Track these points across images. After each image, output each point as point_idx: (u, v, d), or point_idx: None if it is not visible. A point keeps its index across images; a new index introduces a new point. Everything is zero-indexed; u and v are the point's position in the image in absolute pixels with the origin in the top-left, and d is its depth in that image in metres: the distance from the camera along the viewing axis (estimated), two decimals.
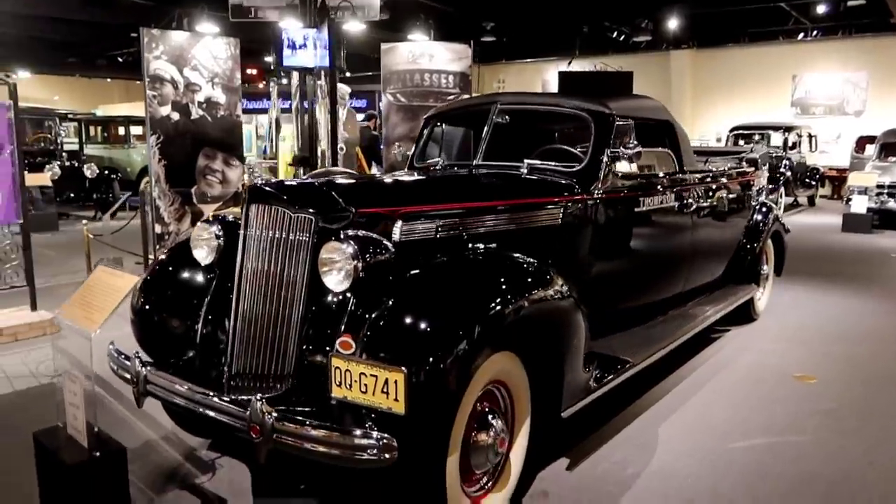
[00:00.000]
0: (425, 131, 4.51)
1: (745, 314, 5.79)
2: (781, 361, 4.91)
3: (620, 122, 3.86)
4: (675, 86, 20.48)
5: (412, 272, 2.63)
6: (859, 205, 10.98)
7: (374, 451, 2.25)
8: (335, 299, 2.62)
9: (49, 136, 14.26)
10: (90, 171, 13.19)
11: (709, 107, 20.61)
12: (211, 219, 3.15)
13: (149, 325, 3.16)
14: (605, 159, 3.73)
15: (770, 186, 12.22)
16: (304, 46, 6.87)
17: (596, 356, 3.45)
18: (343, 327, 2.48)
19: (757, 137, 14.85)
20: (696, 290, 4.91)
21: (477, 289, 2.62)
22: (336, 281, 2.57)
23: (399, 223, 2.89)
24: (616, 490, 3.13)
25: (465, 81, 8.11)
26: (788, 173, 13.35)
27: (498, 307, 2.54)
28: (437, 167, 4.12)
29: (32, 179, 11.99)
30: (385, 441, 2.25)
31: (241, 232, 2.84)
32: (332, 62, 6.78)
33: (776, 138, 14.63)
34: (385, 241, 2.73)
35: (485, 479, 2.80)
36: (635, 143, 3.71)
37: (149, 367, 2.88)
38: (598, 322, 3.69)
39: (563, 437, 3.57)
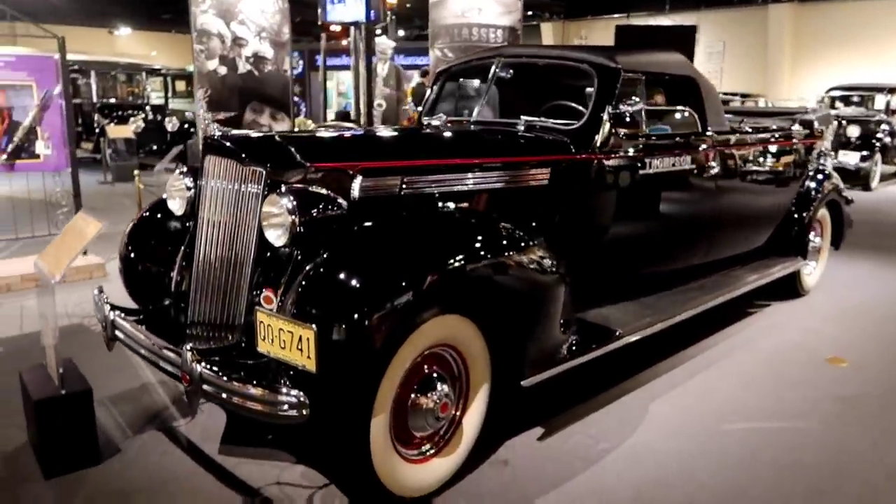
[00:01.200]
0: (435, 87, 4.37)
1: (791, 289, 5.39)
2: (817, 342, 4.54)
3: (630, 76, 3.59)
4: (771, 43, 19.09)
5: (357, 229, 2.57)
6: None
7: (287, 408, 2.24)
8: (278, 253, 2.60)
9: (137, 90, 14.95)
10: (171, 124, 13.76)
11: (810, 66, 19.11)
12: (185, 170, 3.18)
13: (132, 273, 3.26)
14: (606, 117, 3.48)
15: (864, 153, 11.28)
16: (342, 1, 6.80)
17: (581, 324, 3.30)
18: (268, 282, 2.46)
19: (856, 99, 13.63)
20: (722, 261, 4.59)
21: (421, 249, 2.52)
22: (275, 235, 2.54)
23: (359, 179, 2.81)
24: (581, 465, 3.00)
25: (514, 36, 7.81)
26: (888, 139, 12.19)
27: (440, 269, 2.45)
28: (438, 123, 3.99)
29: (116, 131, 12.70)
30: (298, 398, 2.23)
31: (201, 182, 2.85)
32: (368, 15, 6.68)
33: (879, 101, 13.38)
34: (336, 197, 2.66)
35: (428, 445, 2.73)
36: (636, 99, 3.45)
37: (117, 313, 2.97)
38: (591, 289, 3.53)
39: (539, 406, 3.45)
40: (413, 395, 2.60)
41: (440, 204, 2.99)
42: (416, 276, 2.38)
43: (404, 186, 2.92)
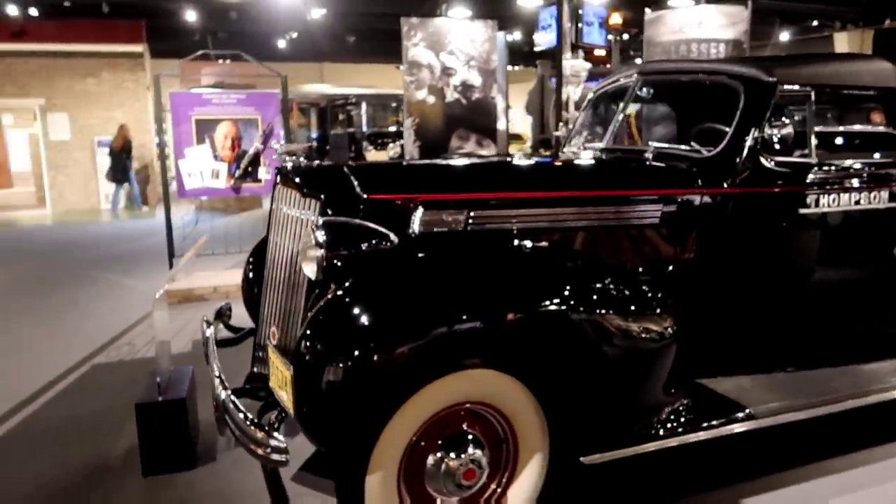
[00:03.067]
0: (581, 113, 3.96)
1: None
2: None
3: (793, 92, 2.87)
4: None
5: (393, 266, 2.40)
6: None
7: (270, 451, 2.14)
8: (315, 286, 2.52)
9: (397, 118, 16.31)
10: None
11: None
12: None
13: (248, 293, 3.46)
14: (750, 142, 2.81)
15: None
16: (549, 27, 6.60)
17: (699, 394, 2.71)
18: (277, 318, 2.38)
19: None
20: None
21: (453, 294, 2.26)
22: (309, 268, 2.47)
23: (419, 212, 2.62)
24: None
25: (739, 50, 6.81)
26: None
27: (467, 319, 2.17)
28: (573, 151, 3.60)
29: (372, 156, 14.00)
30: (279, 445, 2.12)
31: (272, 208, 2.92)
32: (559, 40, 6.38)
33: None
34: (386, 231, 2.51)
35: None
36: (784, 120, 2.72)
37: (210, 333, 3.16)
38: (717, 353, 2.89)
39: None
40: (433, 456, 2.32)
41: (516, 242, 2.66)
42: (428, 324, 2.13)
43: (471, 221, 2.65)
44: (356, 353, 2.06)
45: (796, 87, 2.89)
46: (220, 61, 13.74)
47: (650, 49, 7.30)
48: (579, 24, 6.78)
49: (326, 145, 16.61)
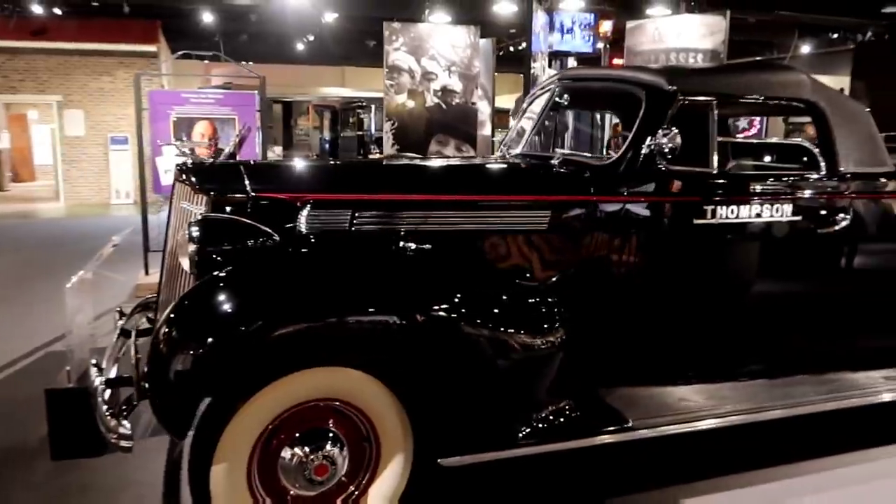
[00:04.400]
0: (514, 120, 3.97)
1: None
2: None
3: (694, 102, 2.85)
4: None
5: (263, 263, 2.45)
6: None
7: (116, 437, 2.20)
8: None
9: None
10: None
11: None
12: None
13: None
14: (646, 150, 2.80)
15: None
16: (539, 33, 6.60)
17: (589, 404, 2.72)
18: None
19: None
20: (856, 354, 3.33)
21: (321, 292, 2.31)
22: (184, 263, 2.53)
23: (305, 210, 2.67)
24: None
25: (717, 60, 6.73)
26: None
27: (328, 316, 2.22)
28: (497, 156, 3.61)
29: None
30: (125, 432, 2.18)
31: (172, 203, 2.99)
32: (529, 46, 6.37)
33: None
34: (267, 228, 2.57)
35: None
36: (669, 129, 2.70)
37: (121, 323, 3.24)
38: (619, 362, 2.90)
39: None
40: (289, 449, 2.35)
41: (399, 245, 2.68)
42: (281, 319, 2.18)
43: (355, 222, 2.69)
44: (203, 341, 2.12)
45: (699, 96, 2.87)
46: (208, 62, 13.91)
47: (631, 58, 7.26)
48: (565, 31, 6.74)
49: (337, 148, 16.82)
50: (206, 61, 16.45)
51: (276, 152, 17.60)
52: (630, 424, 2.67)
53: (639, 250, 2.83)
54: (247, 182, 2.69)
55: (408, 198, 2.73)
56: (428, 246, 2.69)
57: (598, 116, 3.58)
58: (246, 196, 2.65)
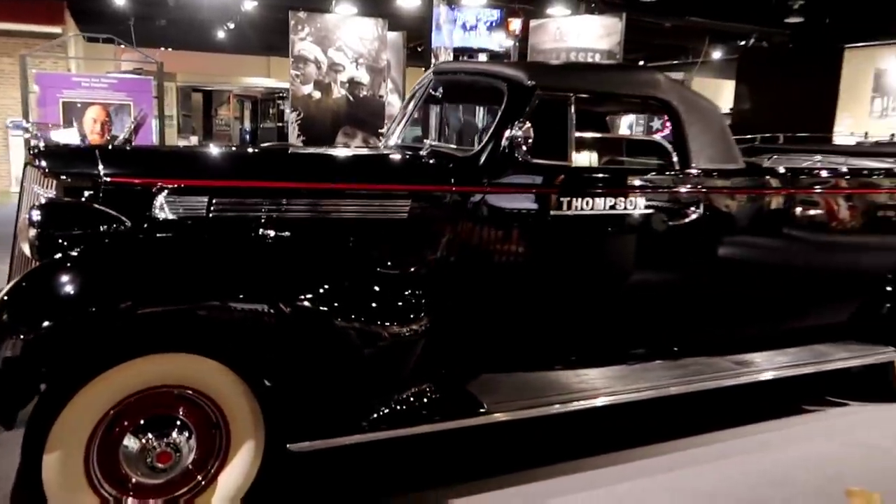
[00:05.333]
0: (400, 112, 4.01)
1: (884, 386, 4.04)
2: (862, 464, 3.30)
3: (553, 97, 2.95)
4: None
5: (111, 247, 2.40)
6: None
7: None
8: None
9: None
10: None
11: None
12: None
13: None
14: (505, 143, 2.87)
15: None
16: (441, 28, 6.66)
17: (449, 389, 2.78)
18: None
19: None
20: (731, 337, 3.55)
21: (163, 277, 2.28)
22: (25, 247, 2.45)
23: (161, 196, 2.62)
24: None
25: (613, 60, 6.98)
26: None
27: (169, 302, 2.20)
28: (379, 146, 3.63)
29: None
30: None
31: (23, 186, 2.89)
32: (430, 42, 6.45)
33: None
34: (118, 214, 2.52)
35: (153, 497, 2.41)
36: (524, 122, 2.79)
37: None
38: (479, 349, 2.98)
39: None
40: (131, 436, 2.31)
41: (258, 232, 2.67)
42: (118, 304, 2.14)
43: (213, 209, 2.66)
44: (32, 325, 2.07)
45: (558, 91, 2.97)
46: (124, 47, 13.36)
47: (534, 56, 7.43)
48: (468, 27, 6.82)
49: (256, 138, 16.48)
50: (122, 45, 15.83)
51: (191, 142, 17.12)
52: (485, 409, 2.74)
53: (498, 240, 2.91)
54: (101, 167, 2.62)
55: (266, 185, 2.72)
56: (286, 234, 2.69)
57: (483, 109, 3.64)
58: (98, 181, 2.59)
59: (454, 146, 3.11)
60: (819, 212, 3.56)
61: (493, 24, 6.88)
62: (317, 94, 7.36)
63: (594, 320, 3.17)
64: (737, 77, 13.53)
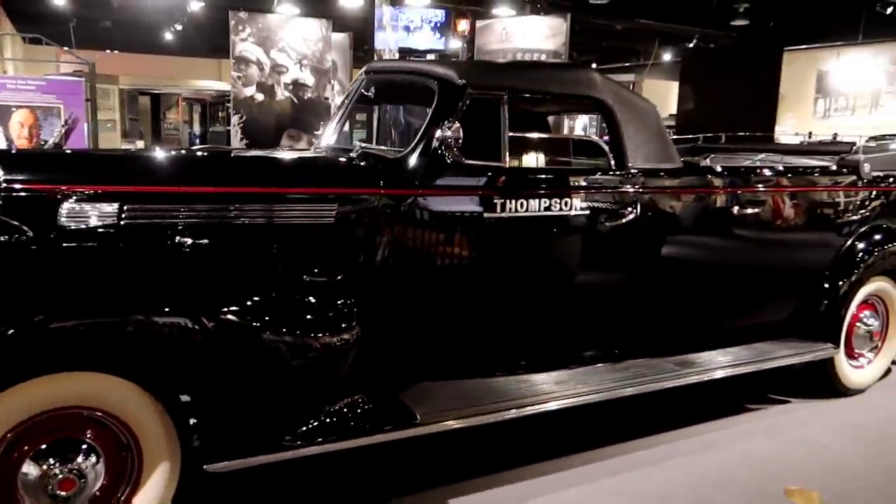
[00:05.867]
0: (336, 112, 3.89)
1: (824, 383, 4.06)
2: (802, 464, 3.30)
3: (485, 95, 2.86)
4: None
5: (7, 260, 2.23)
6: None
7: None
8: None
9: None
10: None
11: None
12: None
13: None
14: (436, 143, 2.78)
15: None
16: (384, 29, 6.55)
17: (382, 401, 2.67)
18: None
19: None
20: (668, 339, 3.51)
21: (67, 291, 2.14)
22: None
23: (68, 203, 2.45)
24: None
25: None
26: None
27: (72, 318, 2.07)
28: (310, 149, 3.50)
29: None
30: None
31: None
32: (373, 41, 6.36)
33: None
34: (20, 223, 2.35)
35: None
36: (453, 122, 2.71)
37: None
38: (417, 358, 2.88)
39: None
40: (30, 462, 2.15)
41: (177, 240, 2.52)
42: (14, 321, 1.99)
43: (124, 216, 2.50)
44: None
45: (490, 90, 2.89)
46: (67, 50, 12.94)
47: (481, 57, 7.37)
48: (413, 28, 6.73)
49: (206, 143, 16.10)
50: (66, 48, 15.29)
51: (136, 147, 16.63)
52: (418, 420, 2.65)
53: (431, 244, 2.80)
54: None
55: (182, 190, 2.57)
56: (203, 241, 2.55)
57: (418, 109, 3.55)
58: None
59: (390, 148, 3.00)
60: (756, 210, 3.55)
61: (438, 24, 6.80)
62: (260, 97, 7.17)
63: (532, 325, 3.09)
64: (680, 78, 13.72)
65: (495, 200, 2.85)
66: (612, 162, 3.13)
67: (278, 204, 2.65)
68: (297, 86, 7.26)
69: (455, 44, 8.16)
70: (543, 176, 3.05)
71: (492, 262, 2.93)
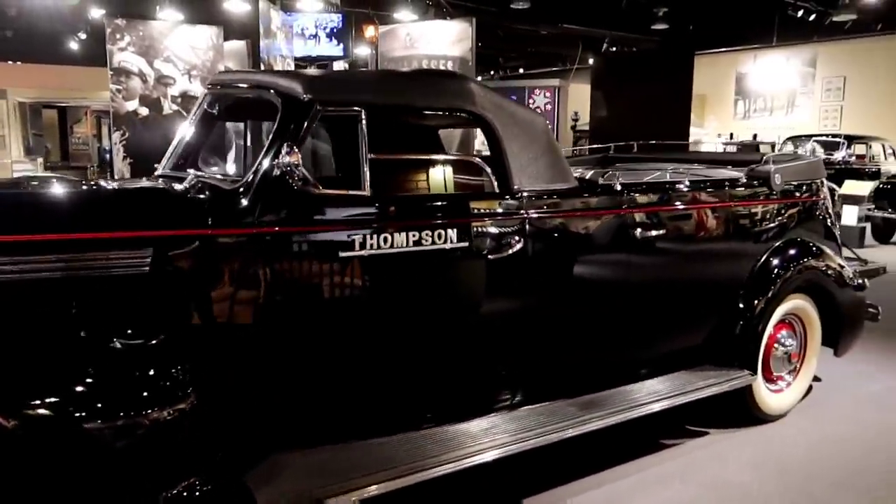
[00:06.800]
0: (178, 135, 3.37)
1: (742, 411, 3.78)
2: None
3: (338, 112, 2.42)
4: None
5: None
6: None
7: None
8: None
9: None
10: None
11: None
12: None
13: None
14: (280, 171, 2.32)
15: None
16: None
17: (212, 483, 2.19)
18: None
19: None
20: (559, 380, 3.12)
21: None
22: None
23: None
24: None
25: (465, 68, 6.61)
26: None
27: None
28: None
29: None
30: None
31: None
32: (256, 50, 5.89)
33: None
34: None
35: None
36: (295, 146, 2.26)
37: None
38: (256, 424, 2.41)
39: None
40: None
41: None
42: None
43: None
44: None
45: (344, 106, 2.45)
46: None
47: (385, 64, 6.94)
48: (308, 35, 6.24)
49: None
50: None
51: (35, 165, 15.57)
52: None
53: (274, 291, 2.34)
54: None
55: None
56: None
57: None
58: None
59: (234, 175, 2.52)
60: (661, 230, 3.22)
61: (335, 30, 6.33)
62: (144, 111, 6.55)
63: (400, 378, 2.65)
64: (592, 84, 13.59)
65: (352, 236, 2.40)
66: (496, 184, 2.73)
67: (78, 252, 2.14)
68: (186, 98, 6.67)
69: (365, 51, 7.72)
70: (412, 205, 2.62)
71: (348, 309, 2.47)
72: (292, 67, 6.55)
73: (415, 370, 2.66)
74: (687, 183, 3.40)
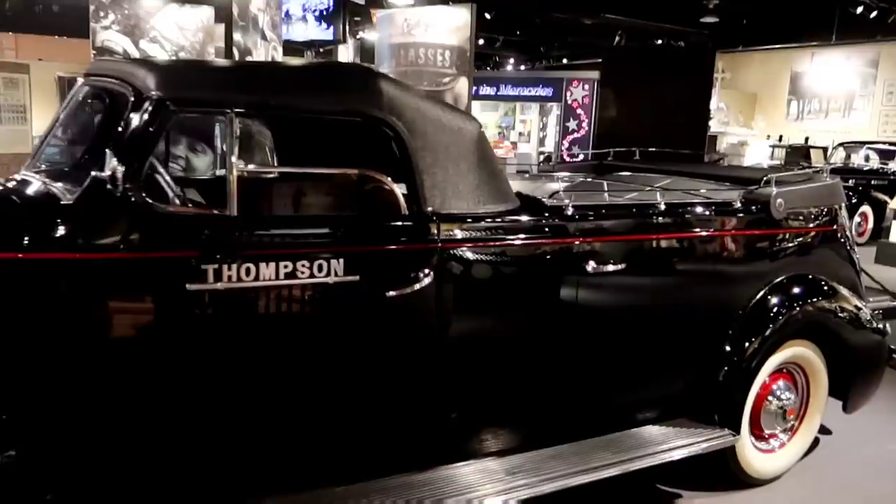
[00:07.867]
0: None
1: (725, 473, 3.24)
2: None
3: (196, 113, 2.00)
4: None
5: None
6: None
7: None
8: None
9: None
10: None
11: None
12: None
13: None
14: (120, 183, 1.89)
15: None
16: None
17: None
18: None
19: None
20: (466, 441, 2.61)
21: None
22: None
23: None
24: None
25: (463, 59, 6.06)
26: None
27: None
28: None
29: None
30: None
31: None
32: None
33: None
34: None
35: None
36: (142, 151, 1.84)
37: None
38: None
39: None
40: None
41: None
42: None
43: None
44: None
45: (203, 107, 2.01)
46: None
47: (380, 53, 6.47)
48: (295, 18, 5.82)
49: None
50: None
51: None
52: None
53: (102, 330, 1.93)
54: None
55: None
56: None
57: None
58: None
59: (60, 186, 2.10)
60: (620, 265, 2.69)
61: (325, 12, 5.88)
62: None
63: (276, 437, 2.21)
64: (600, 81, 12.62)
65: (205, 265, 1.96)
66: (403, 205, 2.26)
67: None
68: None
69: (374, 35, 7.29)
70: (288, 228, 2.17)
71: (192, 358, 2.03)
72: (279, 53, 6.15)
73: (267, 435, 2.20)
74: (661, 207, 2.85)
